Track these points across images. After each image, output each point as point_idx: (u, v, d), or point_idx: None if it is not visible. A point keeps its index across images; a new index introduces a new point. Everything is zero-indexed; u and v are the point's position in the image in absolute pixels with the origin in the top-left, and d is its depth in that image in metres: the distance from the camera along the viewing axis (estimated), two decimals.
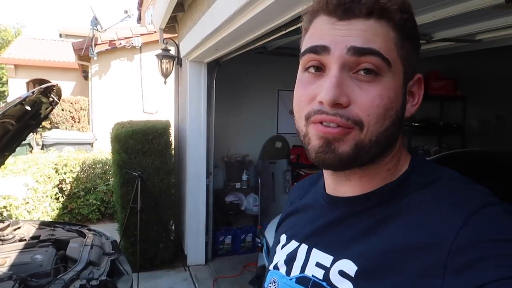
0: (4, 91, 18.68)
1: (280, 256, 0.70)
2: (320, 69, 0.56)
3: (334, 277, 0.57)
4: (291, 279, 0.65)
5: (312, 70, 0.57)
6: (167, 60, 4.35)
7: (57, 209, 5.32)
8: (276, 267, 0.69)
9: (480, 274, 0.44)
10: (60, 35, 19.47)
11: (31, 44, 14.27)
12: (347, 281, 0.55)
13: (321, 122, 0.55)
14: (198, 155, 4.18)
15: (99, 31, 7.51)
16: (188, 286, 3.88)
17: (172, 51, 4.53)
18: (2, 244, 2.87)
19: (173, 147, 4.45)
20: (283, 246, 0.71)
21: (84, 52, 7.72)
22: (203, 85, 4.14)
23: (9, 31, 19.89)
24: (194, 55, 3.92)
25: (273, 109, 4.99)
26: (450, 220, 0.50)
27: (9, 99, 13.32)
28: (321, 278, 0.59)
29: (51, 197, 5.18)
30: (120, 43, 7.86)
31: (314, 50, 0.56)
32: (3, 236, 2.97)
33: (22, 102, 2.17)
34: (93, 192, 5.75)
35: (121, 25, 8.80)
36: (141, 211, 3.67)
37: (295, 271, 0.64)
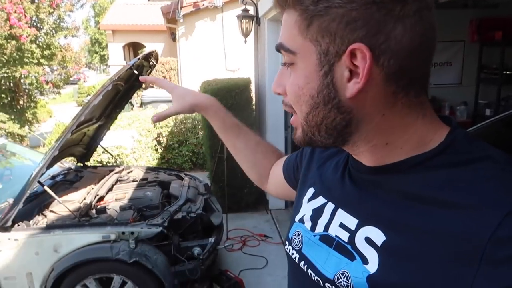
0: (104, 55, 20.62)
1: (306, 209, 0.70)
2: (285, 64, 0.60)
3: (360, 242, 0.56)
4: (315, 236, 0.65)
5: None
6: (247, 20, 4.60)
7: (156, 158, 6.12)
8: (301, 220, 0.70)
9: None
10: None
11: (124, 10, 15.43)
12: (372, 249, 0.54)
13: None
14: (276, 109, 4.49)
15: None
16: (270, 226, 4.36)
17: (252, 11, 4.77)
18: (120, 183, 3.53)
19: (254, 102, 4.82)
20: (309, 200, 0.71)
21: (172, 15, 8.30)
22: None
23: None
24: (271, 14, 4.14)
25: None
26: (493, 205, 0.45)
27: (110, 62, 14.75)
28: (346, 240, 0.58)
29: (151, 148, 5.97)
30: (203, 4, 8.27)
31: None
32: (121, 177, 3.64)
33: (131, 67, 2.64)
34: (185, 144, 6.45)
35: None
36: (227, 160, 4.15)
37: (319, 228, 0.65)
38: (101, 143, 3.94)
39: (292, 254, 0.69)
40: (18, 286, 2.51)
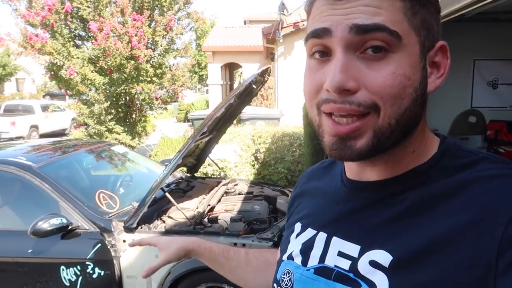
0: (202, 75, 22.01)
1: (294, 245, 0.66)
2: (326, 53, 0.52)
3: (363, 267, 0.53)
4: (308, 270, 0.60)
5: (317, 55, 0.53)
6: None
7: (253, 174, 6.23)
8: (290, 257, 0.65)
9: None
10: (245, 22, 21.69)
11: (224, 33, 16.40)
12: (380, 272, 0.51)
13: (331, 114, 0.51)
14: None
15: (285, 15, 8.17)
16: None
17: None
18: (227, 195, 3.63)
19: None
20: (298, 235, 0.67)
21: (272, 35, 8.56)
22: None
23: (206, 23, 23.27)
24: None
25: (467, 81, 4.64)
26: (500, 203, 0.45)
27: (208, 81, 15.67)
28: (347, 269, 0.54)
29: (250, 164, 6.10)
30: (303, 24, 8.39)
31: (316, 34, 0.52)
32: (228, 189, 3.73)
33: (250, 83, 2.71)
34: (281, 161, 6.47)
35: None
36: None
37: (313, 261, 0.60)
38: (209, 155, 4.12)
39: None
40: (138, 286, 2.66)
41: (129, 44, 7.07)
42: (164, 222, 2.85)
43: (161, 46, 7.77)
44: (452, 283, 0.45)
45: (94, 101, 7.52)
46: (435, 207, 0.49)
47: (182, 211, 2.75)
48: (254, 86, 2.86)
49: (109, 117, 7.83)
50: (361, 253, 0.54)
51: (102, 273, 2.62)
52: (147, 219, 2.86)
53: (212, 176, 4.59)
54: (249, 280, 0.92)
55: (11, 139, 12.06)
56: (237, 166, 5.10)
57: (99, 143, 4.42)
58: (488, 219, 0.44)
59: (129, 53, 7.13)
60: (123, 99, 8.11)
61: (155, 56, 7.88)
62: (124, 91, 7.55)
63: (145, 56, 7.29)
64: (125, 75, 7.35)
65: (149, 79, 7.83)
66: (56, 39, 7.21)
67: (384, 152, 0.53)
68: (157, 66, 7.96)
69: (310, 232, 0.64)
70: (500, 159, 0.52)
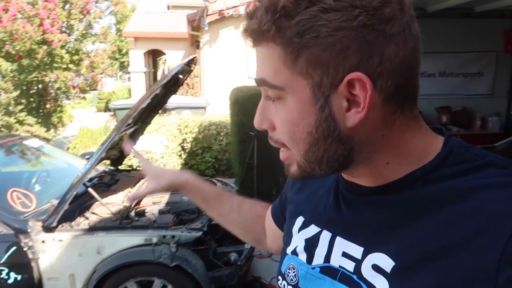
0: (123, 62, 20.94)
1: (297, 240, 0.66)
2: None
3: (366, 271, 0.53)
4: (313, 268, 0.60)
5: None
6: None
7: (180, 164, 6.16)
8: (294, 252, 0.65)
9: None
10: (168, 7, 20.98)
11: (146, 18, 15.69)
12: (381, 277, 0.50)
13: None
14: None
15: (210, 2, 8.07)
16: None
17: None
18: None
19: None
20: (300, 229, 0.67)
21: (197, 22, 8.40)
22: None
23: (127, 6, 22.07)
24: None
25: None
26: (504, 215, 0.44)
27: (130, 69, 14.98)
28: (352, 270, 0.55)
29: (177, 154, 6.01)
30: (228, 12, 8.36)
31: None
32: None
33: (177, 73, 2.67)
34: (209, 150, 6.47)
35: None
36: (258, 168, 4.15)
37: (318, 259, 0.60)
38: (134, 147, 3.98)
39: None
40: (60, 287, 2.53)
41: (41, 27, 6.49)
42: (87, 218, 2.73)
43: (77, 30, 7.25)
44: None
45: (0, 90, 6.81)
46: (437, 213, 0.48)
47: (106, 206, 2.66)
48: (180, 76, 2.82)
49: (19, 107, 7.16)
50: (364, 255, 0.54)
51: (19, 277, 2.44)
52: (68, 217, 2.71)
53: (138, 169, 4.44)
54: (237, 230, 0.95)
55: None
56: (164, 157, 5.00)
57: (9, 136, 4.05)
58: (490, 230, 0.43)
59: (41, 37, 6.55)
60: (35, 87, 7.46)
61: (70, 41, 7.34)
62: (36, 79, 6.94)
63: (59, 40, 6.75)
64: (37, 62, 6.75)
65: (64, 66, 7.28)
66: None
67: (351, 168, 0.54)
68: (73, 52, 7.42)
69: (313, 229, 0.63)
70: (508, 163, 0.50)
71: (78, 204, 2.89)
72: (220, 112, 7.33)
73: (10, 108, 7.10)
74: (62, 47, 7.08)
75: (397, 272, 0.49)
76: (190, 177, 0.94)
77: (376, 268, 0.51)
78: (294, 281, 0.63)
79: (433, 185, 0.50)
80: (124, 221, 2.66)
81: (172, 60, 14.06)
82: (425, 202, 0.50)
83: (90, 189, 2.64)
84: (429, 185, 0.50)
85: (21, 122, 7.12)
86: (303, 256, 0.63)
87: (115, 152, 3.76)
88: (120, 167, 4.02)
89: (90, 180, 3.39)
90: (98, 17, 7.44)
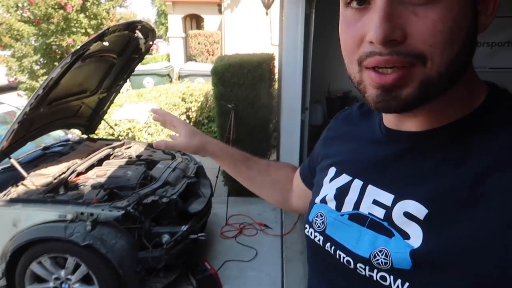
0: (164, 23, 20.95)
1: (328, 189, 0.65)
2: (364, 1, 0.47)
3: (398, 218, 0.52)
4: (342, 215, 0.60)
5: (354, 4, 0.49)
6: None
7: None
8: (323, 201, 0.65)
9: None
10: None
11: None
12: (414, 224, 0.50)
13: (374, 68, 0.48)
14: (294, 89, 4.09)
15: None
16: (275, 215, 4.07)
17: None
18: (113, 159, 3.46)
19: (272, 80, 4.46)
20: (331, 179, 0.66)
21: None
22: (300, 14, 3.91)
23: None
24: None
25: None
26: None
27: (169, 33, 14.98)
28: (382, 217, 0.54)
29: None
30: None
31: None
32: (115, 152, 3.56)
33: (97, 39, 2.45)
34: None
35: None
36: (237, 142, 3.90)
37: (347, 207, 0.60)
38: (115, 116, 3.90)
39: (315, 237, 0.64)
40: None
41: None
42: (16, 189, 2.69)
43: None
44: (489, 238, 0.43)
45: (21, 55, 7.06)
46: (478, 161, 0.47)
47: (29, 179, 2.59)
48: (105, 44, 2.55)
49: (42, 71, 7.40)
50: (394, 202, 0.53)
51: None
52: (1, 186, 2.69)
53: (113, 138, 4.37)
54: (265, 191, 0.98)
55: None
56: (150, 126, 4.89)
57: None
58: None
59: (55, 1, 6.60)
60: (58, 51, 7.65)
61: (88, 5, 7.35)
62: (54, 43, 7.09)
63: (74, 5, 6.78)
64: (54, 26, 6.86)
65: (83, 30, 7.35)
66: None
67: (429, 102, 0.49)
68: (92, 16, 7.45)
69: (345, 178, 0.63)
70: None
71: (15, 174, 2.86)
72: None
73: (35, 71, 7.36)
74: (81, 11, 7.12)
75: (431, 219, 0.49)
76: (219, 144, 0.98)
77: (408, 215, 0.51)
78: (321, 228, 0.63)
79: (479, 132, 0.49)
80: (47, 194, 2.58)
81: (209, 25, 13.82)
82: (465, 152, 0.49)
83: (12, 160, 2.58)
84: (474, 132, 0.50)
85: None
86: (332, 204, 0.63)
87: (80, 121, 3.71)
88: (95, 136, 3.98)
89: (46, 148, 3.37)
90: None
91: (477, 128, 0.50)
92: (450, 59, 0.46)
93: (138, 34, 2.93)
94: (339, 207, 0.61)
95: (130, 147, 3.73)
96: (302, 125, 4.22)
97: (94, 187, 2.76)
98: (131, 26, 2.83)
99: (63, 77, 2.49)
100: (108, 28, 2.50)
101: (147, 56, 16.78)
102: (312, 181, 0.78)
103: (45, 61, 7.48)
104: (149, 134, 4.84)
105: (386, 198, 0.55)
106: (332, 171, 0.67)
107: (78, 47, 2.38)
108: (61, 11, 6.79)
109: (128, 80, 3.97)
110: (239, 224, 3.84)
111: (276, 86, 4.60)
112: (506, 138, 0.47)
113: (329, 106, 4.52)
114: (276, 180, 0.96)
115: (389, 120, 0.59)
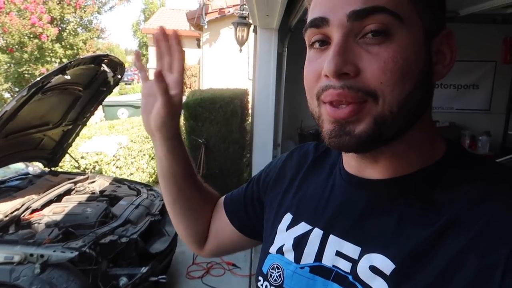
0: (145, 54, 21.10)
1: (285, 238, 0.61)
2: (325, 42, 0.49)
3: (363, 272, 0.49)
4: (302, 268, 0.56)
5: (317, 45, 0.50)
6: (242, 28, 4.27)
7: (153, 168, 5.92)
8: (280, 251, 0.61)
9: None
10: (199, 4, 21.02)
11: (168, 15, 15.74)
12: (380, 278, 0.47)
13: (331, 103, 0.48)
14: (266, 125, 4.08)
15: (209, 0, 7.80)
16: (245, 253, 3.92)
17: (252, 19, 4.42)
18: (74, 195, 3.31)
19: (245, 115, 4.45)
20: (288, 228, 0.62)
21: (196, 20, 8.15)
22: (272, 53, 3.95)
23: (155, 4, 22.36)
24: (264, 21, 3.76)
25: None
26: (508, 221, 0.43)
27: (149, 65, 15.05)
28: (348, 271, 0.51)
29: (149, 156, 5.76)
30: (229, 11, 8.04)
31: (314, 23, 0.49)
32: (77, 187, 3.41)
33: (58, 73, 2.38)
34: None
35: None
36: (207, 177, 3.81)
37: (308, 258, 0.56)
38: (82, 149, 3.78)
39: None
40: None
41: (29, 20, 6.49)
42: None
43: (70, 24, 7.20)
44: None
45: None
46: (442, 216, 0.46)
47: None
48: (67, 77, 2.50)
49: None
50: (361, 255, 0.51)
51: None
52: None
53: (77, 171, 4.21)
54: (192, 217, 0.80)
55: None
56: (119, 159, 4.75)
57: None
58: (496, 235, 0.42)
59: (29, 30, 6.55)
60: (31, 80, 7.51)
61: (64, 36, 7.32)
62: (27, 72, 6.98)
63: (49, 35, 6.73)
64: (27, 55, 6.77)
65: (58, 60, 7.27)
66: None
67: (387, 145, 0.49)
68: (68, 46, 7.40)
69: (303, 227, 0.60)
70: (508, 168, 0.49)
71: None
72: None
73: (5, 99, 7.18)
74: (56, 41, 7.07)
75: (397, 274, 0.47)
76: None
77: (374, 269, 0.48)
78: (278, 281, 0.59)
79: (442, 185, 0.49)
80: None
81: (189, 59, 13.95)
82: (430, 203, 0.48)
83: None
84: (437, 185, 0.49)
85: None
86: (290, 255, 0.59)
87: (42, 154, 3.56)
88: (58, 169, 3.82)
89: (2, 182, 3.20)
90: (93, 11, 7.36)
91: (441, 180, 0.49)
92: (401, 98, 0.46)
93: (105, 67, 2.88)
94: (297, 258, 0.58)
95: (94, 182, 3.58)
96: None
97: (48, 225, 2.61)
98: (97, 59, 2.78)
99: (20, 110, 2.38)
100: (70, 62, 2.44)
101: (126, 87, 16.74)
102: (242, 216, 0.75)
103: (17, 89, 7.32)
104: (117, 167, 4.69)
105: (352, 250, 0.52)
106: (287, 218, 0.63)
107: (38, 79, 2.30)
108: (36, 40, 6.73)
109: (102, 111, 3.88)
110: (207, 264, 3.68)
111: (249, 121, 4.59)
112: (470, 194, 0.47)
113: (301, 142, 4.46)
114: (203, 205, 0.81)
115: (350, 165, 0.58)
